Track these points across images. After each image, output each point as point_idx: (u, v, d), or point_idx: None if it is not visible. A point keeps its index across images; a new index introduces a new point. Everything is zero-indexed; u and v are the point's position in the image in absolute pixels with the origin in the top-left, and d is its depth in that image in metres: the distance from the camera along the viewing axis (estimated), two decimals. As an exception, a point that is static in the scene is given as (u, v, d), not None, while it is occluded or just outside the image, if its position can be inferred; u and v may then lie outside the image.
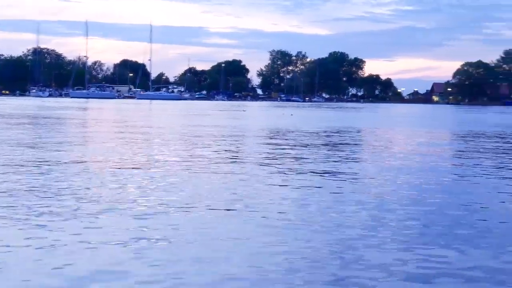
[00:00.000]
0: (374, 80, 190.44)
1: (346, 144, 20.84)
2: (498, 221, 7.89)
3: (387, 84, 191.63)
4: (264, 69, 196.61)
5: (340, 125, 34.06)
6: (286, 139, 22.35)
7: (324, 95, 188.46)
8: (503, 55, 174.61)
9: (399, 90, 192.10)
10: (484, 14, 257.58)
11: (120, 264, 5.43)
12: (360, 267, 5.53)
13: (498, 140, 25.34)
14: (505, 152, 19.38)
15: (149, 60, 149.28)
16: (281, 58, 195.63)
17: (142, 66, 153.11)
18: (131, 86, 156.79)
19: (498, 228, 7.51)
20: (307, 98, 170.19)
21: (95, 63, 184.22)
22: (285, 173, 12.05)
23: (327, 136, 25.01)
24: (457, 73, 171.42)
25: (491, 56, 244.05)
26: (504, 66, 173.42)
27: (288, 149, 18.11)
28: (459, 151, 19.40)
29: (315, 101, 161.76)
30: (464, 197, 9.68)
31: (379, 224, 7.42)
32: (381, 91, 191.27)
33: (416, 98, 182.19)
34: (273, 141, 21.65)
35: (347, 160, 15.26)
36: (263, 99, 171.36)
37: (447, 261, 5.85)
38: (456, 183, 11.47)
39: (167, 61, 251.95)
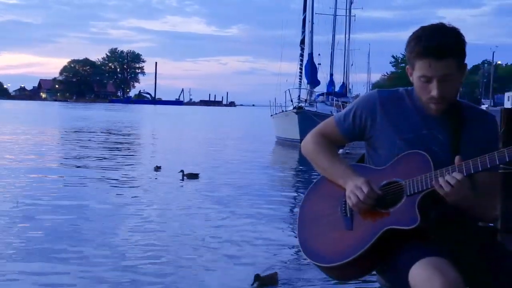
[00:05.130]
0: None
1: None
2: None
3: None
4: None
5: None
6: None
7: None
8: (108, 54, 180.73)
9: (5, 86, 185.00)
10: (91, 13, 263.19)
11: None
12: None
13: (104, 135, 26.32)
14: (110, 147, 20.24)
15: None
16: None
17: None
18: None
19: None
20: None
21: None
22: None
23: None
24: (64, 70, 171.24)
25: (98, 54, 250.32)
26: (110, 64, 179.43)
27: None
28: (68, 149, 19.62)
29: None
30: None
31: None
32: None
33: (23, 94, 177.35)
34: None
35: None
36: None
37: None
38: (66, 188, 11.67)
39: None
